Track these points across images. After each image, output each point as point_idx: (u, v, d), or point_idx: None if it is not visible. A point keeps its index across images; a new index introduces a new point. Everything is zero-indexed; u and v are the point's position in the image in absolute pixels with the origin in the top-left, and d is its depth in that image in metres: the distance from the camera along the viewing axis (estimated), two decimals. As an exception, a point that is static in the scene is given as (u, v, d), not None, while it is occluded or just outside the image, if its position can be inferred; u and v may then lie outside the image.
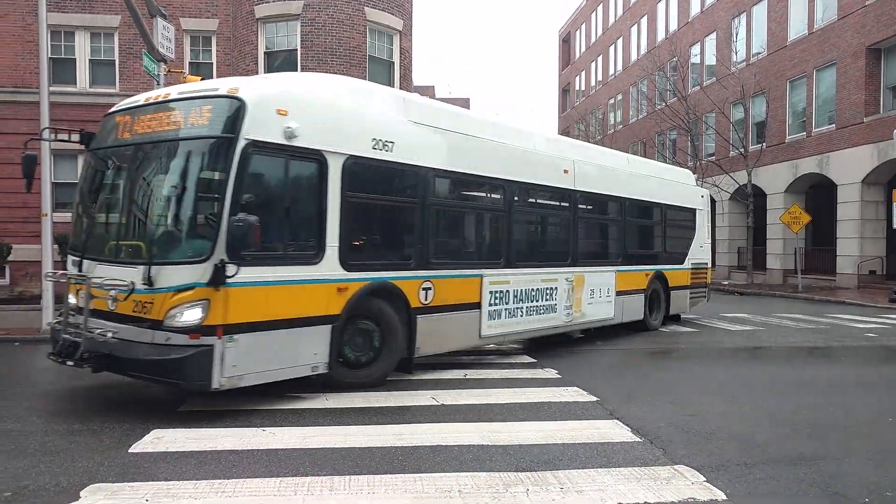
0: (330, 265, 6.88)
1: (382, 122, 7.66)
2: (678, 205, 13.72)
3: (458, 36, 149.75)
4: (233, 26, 18.62)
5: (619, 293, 11.69)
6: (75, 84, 17.20)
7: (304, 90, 7.12)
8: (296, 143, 6.50)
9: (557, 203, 10.69)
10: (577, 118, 51.92)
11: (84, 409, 6.49)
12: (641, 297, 12.47)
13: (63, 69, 17.11)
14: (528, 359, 9.74)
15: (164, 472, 4.63)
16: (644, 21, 42.21)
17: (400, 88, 19.00)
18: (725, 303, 20.21)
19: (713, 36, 33.42)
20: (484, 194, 9.40)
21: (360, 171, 7.25)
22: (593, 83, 51.84)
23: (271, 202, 6.50)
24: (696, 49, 34.90)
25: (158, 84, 12.51)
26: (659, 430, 5.87)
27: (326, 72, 17.52)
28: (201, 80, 13.18)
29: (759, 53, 29.71)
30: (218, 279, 5.83)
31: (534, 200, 10.41)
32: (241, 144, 6.00)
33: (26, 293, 16.45)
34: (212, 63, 18.76)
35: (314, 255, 6.77)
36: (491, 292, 9.00)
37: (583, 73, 54.91)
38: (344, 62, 17.89)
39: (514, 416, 6.34)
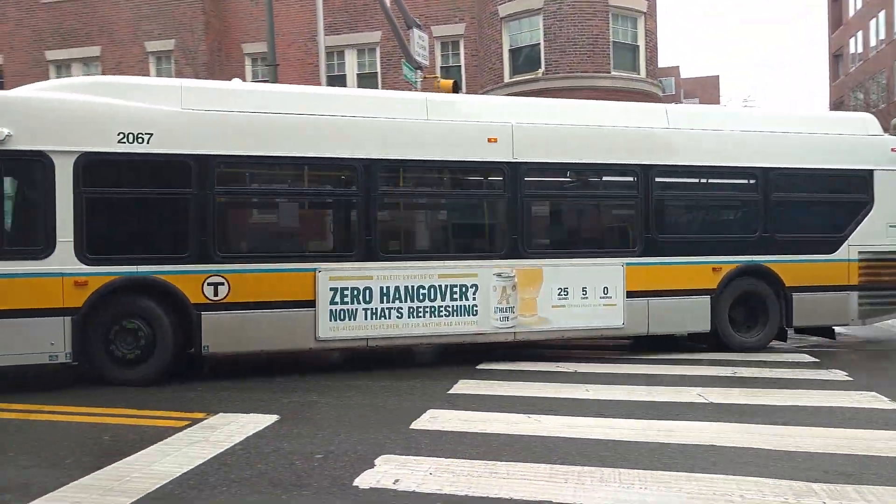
0: (62, 259, 7.14)
1: (138, 115, 7.42)
2: (811, 167, 9.76)
3: (704, 8, 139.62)
4: (478, 28, 19.41)
5: (633, 294, 8.86)
6: (345, 97, 19.29)
7: (22, 97, 7.47)
8: (9, 146, 7.00)
9: (477, 180, 9.21)
10: (852, 86, 45.51)
11: (365, 390, 7.25)
12: (704, 300, 9.17)
13: (337, 84, 19.26)
14: (808, 358, 8.80)
15: (442, 450, 4.98)
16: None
17: (646, 72, 18.26)
18: None
19: None
20: (315, 177, 8.46)
21: (102, 166, 7.35)
22: (873, 43, 45.02)
23: None
24: None
25: (415, 90, 13.51)
26: None
27: (569, 63, 17.47)
28: (453, 84, 14.01)
29: None
30: None
31: (421, 179, 9.05)
32: None
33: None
34: (460, 66, 19.76)
35: (41, 250, 7.12)
36: (334, 289, 7.87)
37: (859, 33, 47.96)
38: (586, 51, 17.69)
39: (797, 420, 5.76)
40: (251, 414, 6.05)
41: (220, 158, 7.68)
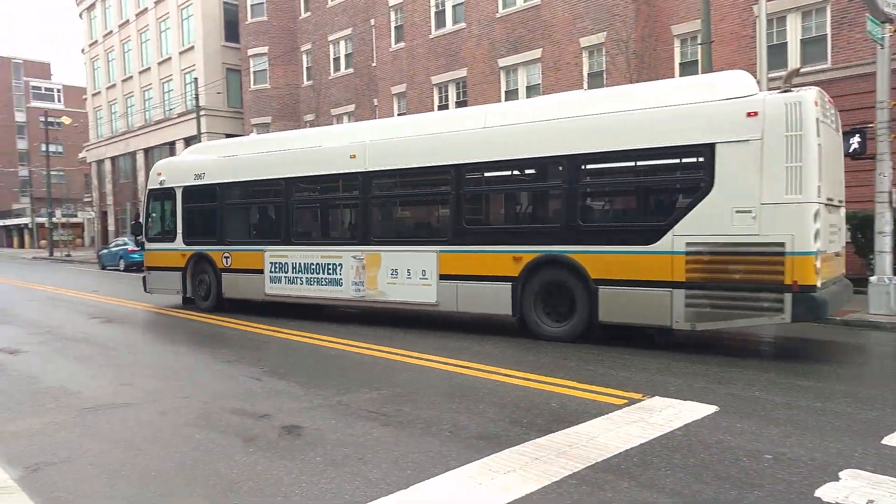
0: (178, 242, 13.96)
1: (201, 164, 13.78)
2: (626, 149, 8.56)
3: None
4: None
5: (445, 276, 10.12)
6: (786, 67, 17.37)
7: (165, 161, 13.16)
8: (164, 185, 14.14)
9: (345, 187, 11.61)
10: None
11: (816, 392, 6.44)
12: (506, 286, 9.55)
13: (773, 55, 17.53)
14: None
15: (929, 477, 4.12)
16: None
17: None
18: None
19: None
20: (263, 190, 12.86)
21: (190, 192, 13.75)
22: None
23: None
24: None
25: (882, 48, 11.41)
26: None
27: None
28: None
29: None
30: None
31: (312, 190, 12.22)
32: None
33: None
34: (943, 11, 15.95)
35: (172, 237, 14.11)
36: (272, 263, 12.13)
37: None
38: None
39: None
40: (689, 401, 5.94)
41: (229, 184, 13.05)
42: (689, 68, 19.03)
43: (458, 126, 10.28)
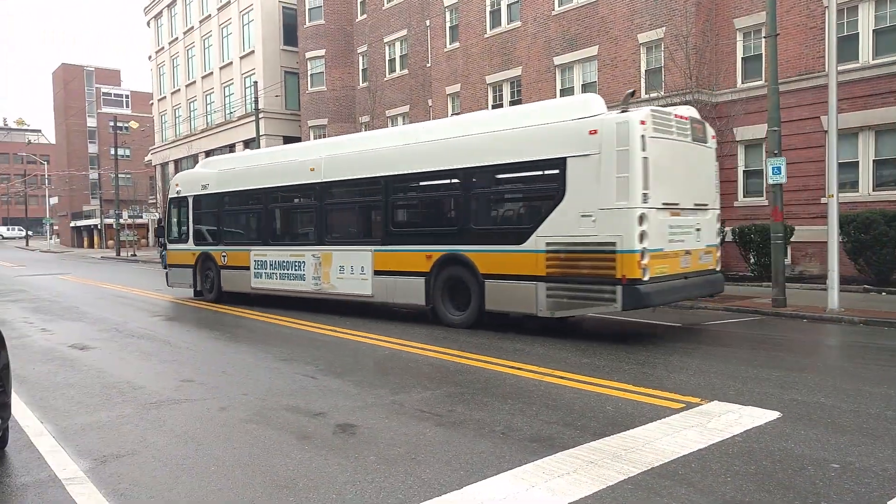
0: (190, 244, 16.21)
1: (206, 176, 16.19)
2: (503, 163, 10.29)
3: None
4: None
5: (378, 272, 11.90)
6: (857, 60, 16.65)
7: (181, 173, 15.71)
8: (180, 195, 16.57)
9: (306, 196, 13.70)
10: None
11: (888, 399, 6.14)
12: (420, 280, 11.23)
13: (842, 48, 16.81)
14: None
15: None
16: None
17: None
18: None
19: None
20: (248, 198, 14.98)
21: (199, 199, 16.03)
22: None
23: None
24: None
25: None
26: None
27: None
28: None
29: None
30: None
31: (283, 199, 14.41)
32: None
33: (806, 272, 17.02)
34: None
35: (185, 240, 16.43)
36: (255, 260, 14.35)
37: None
38: None
39: None
40: (749, 407, 5.75)
41: (225, 193, 15.30)
42: (751, 63, 18.45)
43: (390, 143, 12.20)
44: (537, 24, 23.18)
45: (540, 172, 9.79)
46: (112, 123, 50.39)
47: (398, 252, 11.60)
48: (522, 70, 23.69)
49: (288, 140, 36.89)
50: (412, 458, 4.66)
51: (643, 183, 8.63)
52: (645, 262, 8.65)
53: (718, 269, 10.56)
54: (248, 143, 37.01)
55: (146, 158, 58.04)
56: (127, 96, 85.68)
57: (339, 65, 33.72)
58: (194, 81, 44.91)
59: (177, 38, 47.03)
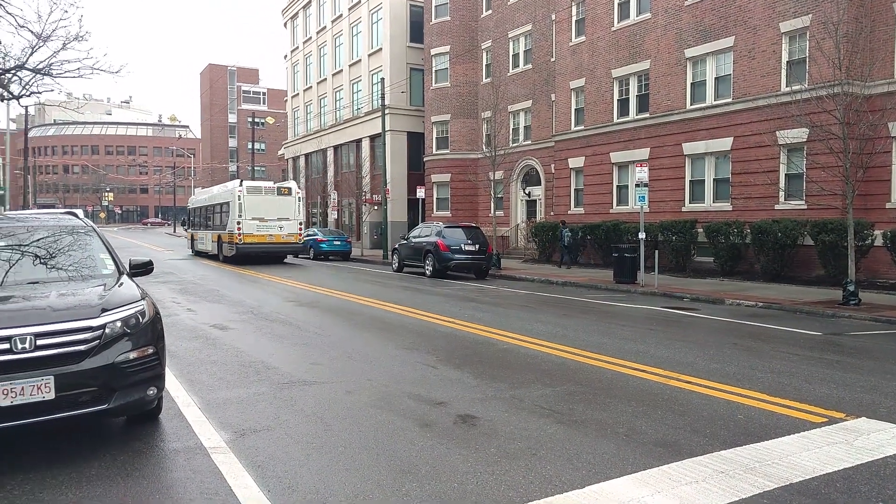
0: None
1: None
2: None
3: None
4: None
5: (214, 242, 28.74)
6: None
7: (199, 192, 41.27)
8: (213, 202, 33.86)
9: (214, 207, 29.54)
10: None
11: None
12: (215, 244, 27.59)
13: None
14: None
15: None
16: None
17: None
18: None
19: None
20: (201, 209, 33.15)
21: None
22: None
23: None
24: None
25: None
26: None
27: None
28: None
29: None
30: None
31: (207, 208, 31.30)
32: None
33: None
34: None
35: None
36: (199, 237, 32.82)
37: None
38: None
39: None
40: (903, 426, 5.26)
41: (196, 207, 34.29)
42: (912, 51, 16.76)
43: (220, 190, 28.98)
44: (668, 15, 22.27)
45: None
46: (250, 119, 53.65)
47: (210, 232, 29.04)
48: (651, 63, 22.85)
49: (412, 136, 37.78)
50: (532, 453, 4.64)
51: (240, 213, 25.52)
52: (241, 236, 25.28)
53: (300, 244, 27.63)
54: (373, 139, 38.19)
55: (279, 152, 61.31)
56: (264, 93, 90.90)
57: (463, 60, 34.04)
58: (325, 79, 46.92)
59: (310, 38, 49.32)
